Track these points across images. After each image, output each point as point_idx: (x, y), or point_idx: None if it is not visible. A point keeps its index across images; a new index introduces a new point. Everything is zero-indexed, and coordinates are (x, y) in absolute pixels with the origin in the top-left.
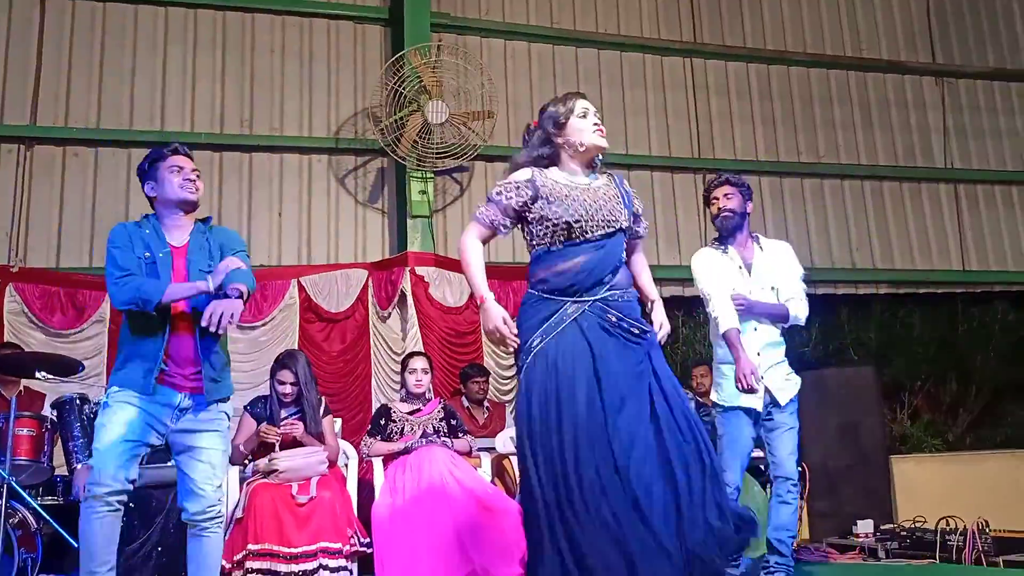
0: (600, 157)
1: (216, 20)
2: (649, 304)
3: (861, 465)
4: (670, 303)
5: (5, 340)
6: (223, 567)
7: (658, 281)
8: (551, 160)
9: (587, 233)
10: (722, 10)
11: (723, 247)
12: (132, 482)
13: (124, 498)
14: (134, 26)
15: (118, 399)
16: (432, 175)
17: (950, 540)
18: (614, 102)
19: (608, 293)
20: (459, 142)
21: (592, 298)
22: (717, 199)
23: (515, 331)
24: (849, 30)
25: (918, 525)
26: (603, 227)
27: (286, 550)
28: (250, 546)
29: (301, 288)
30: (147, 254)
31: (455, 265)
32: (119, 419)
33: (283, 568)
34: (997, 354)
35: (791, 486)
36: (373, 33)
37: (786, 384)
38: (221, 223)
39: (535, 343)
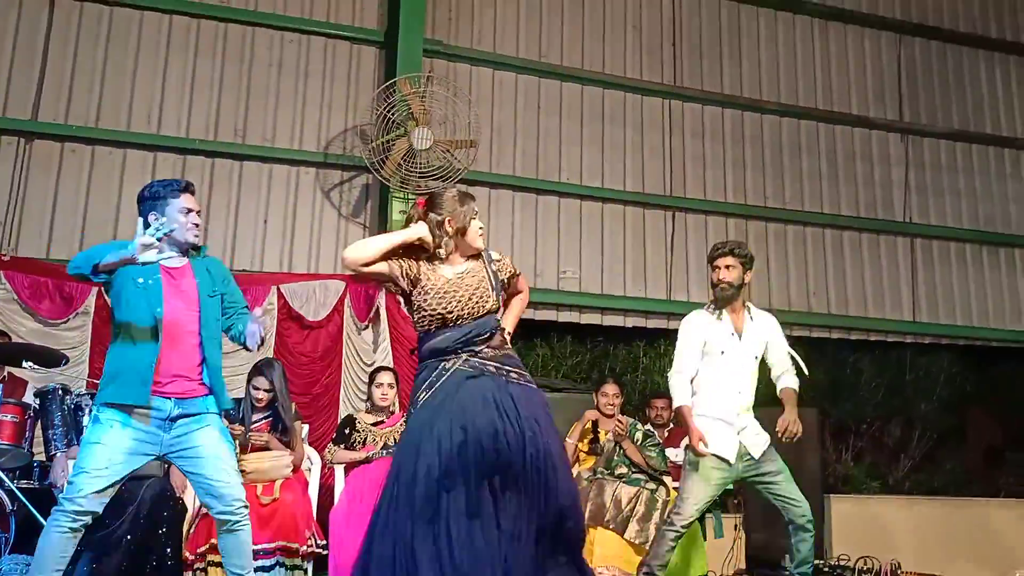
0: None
1: (218, 31)
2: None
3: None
4: (633, 333)
5: None
6: (186, 558)
7: (623, 312)
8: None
9: (458, 322)
10: (703, 56)
11: (718, 312)
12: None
13: (90, 520)
14: (138, 31)
15: (109, 417)
16: (414, 196)
17: None
18: (593, 136)
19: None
20: (442, 166)
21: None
22: (719, 268)
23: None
24: (822, 84)
25: (841, 563)
26: (473, 315)
27: None
28: (213, 540)
29: (280, 295)
30: (140, 279)
31: None
32: (109, 442)
33: None
34: (940, 403)
35: (806, 523)
36: (368, 54)
37: (757, 439)
38: (209, 227)
39: (419, 396)
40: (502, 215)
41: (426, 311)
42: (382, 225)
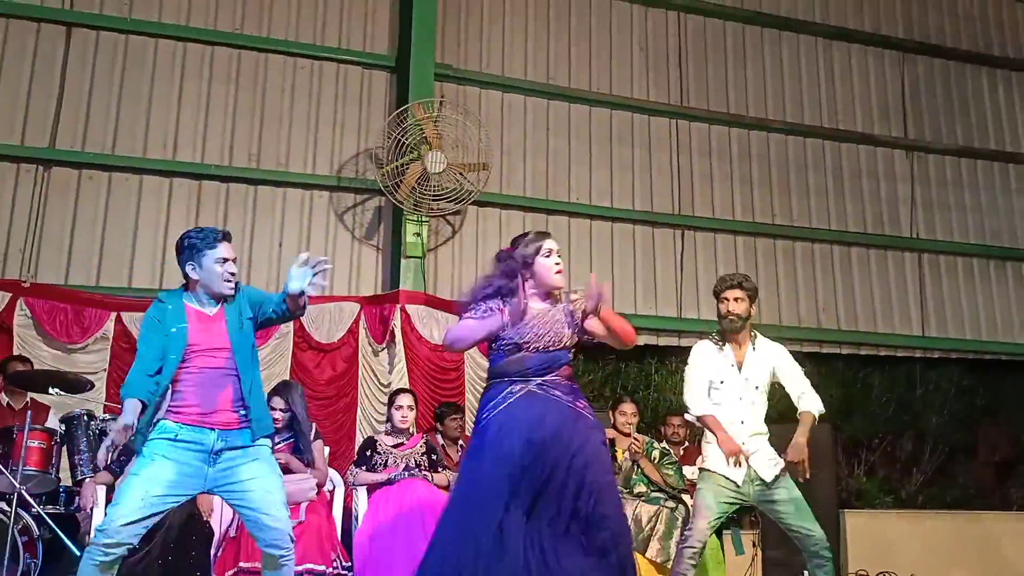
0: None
1: (231, 58)
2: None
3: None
4: (644, 351)
5: (15, 353)
6: None
7: (636, 330)
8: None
9: (531, 350)
10: (708, 77)
11: (721, 344)
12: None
13: (124, 552)
14: (153, 59)
15: (152, 451)
16: (427, 219)
17: None
18: (602, 157)
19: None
20: (454, 188)
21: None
22: (727, 300)
23: None
24: (827, 102)
25: None
26: (545, 346)
27: None
28: (241, 564)
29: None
30: (173, 329)
31: (444, 304)
32: (149, 476)
33: None
34: (951, 416)
35: (822, 551)
36: (379, 79)
37: (770, 464)
38: None
39: (484, 415)
40: (512, 235)
41: (503, 339)
42: (396, 247)
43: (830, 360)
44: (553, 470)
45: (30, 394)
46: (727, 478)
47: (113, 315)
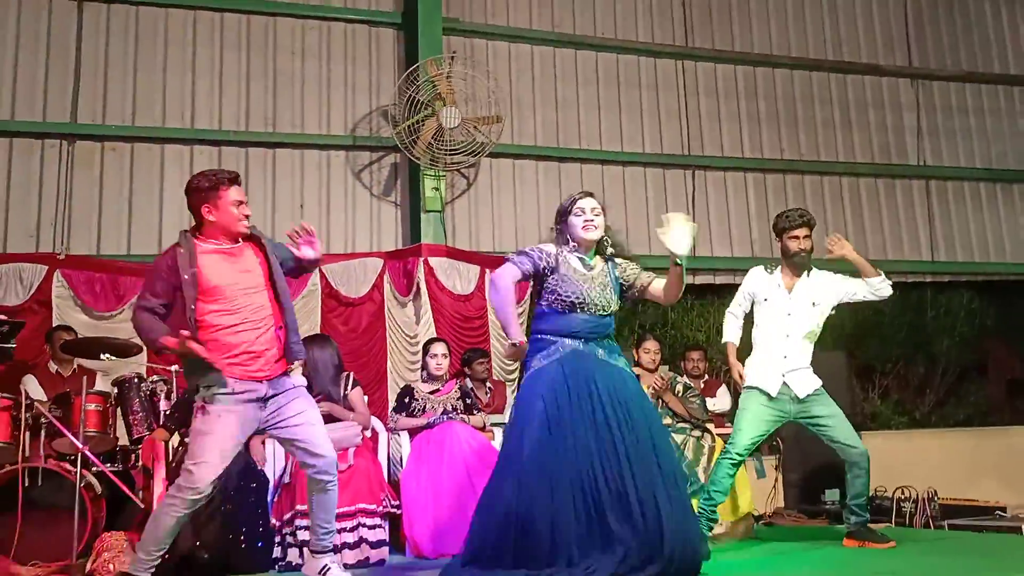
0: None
1: (241, 23)
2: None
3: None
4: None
5: (56, 323)
6: (273, 524)
7: (649, 270)
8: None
9: (586, 311)
10: (712, 16)
11: (772, 270)
12: None
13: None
14: (165, 28)
15: (215, 407)
16: (444, 173)
17: (904, 507)
18: (610, 102)
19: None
20: (468, 141)
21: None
22: (797, 238)
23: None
24: (831, 35)
25: (878, 494)
26: (598, 310)
27: None
28: (298, 507)
29: (322, 275)
30: (185, 277)
31: (464, 255)
32: (221, 431)
33: None
34: (961, 339)
35: (861, 464)
36: (387, 37)
37: (805, 381)
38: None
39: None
40: (527, 185)
41: (560, 295)
42: (414, 202)
43: None
44: (610, 401)
45: (76, 361)
46: (764, 392)
47: None
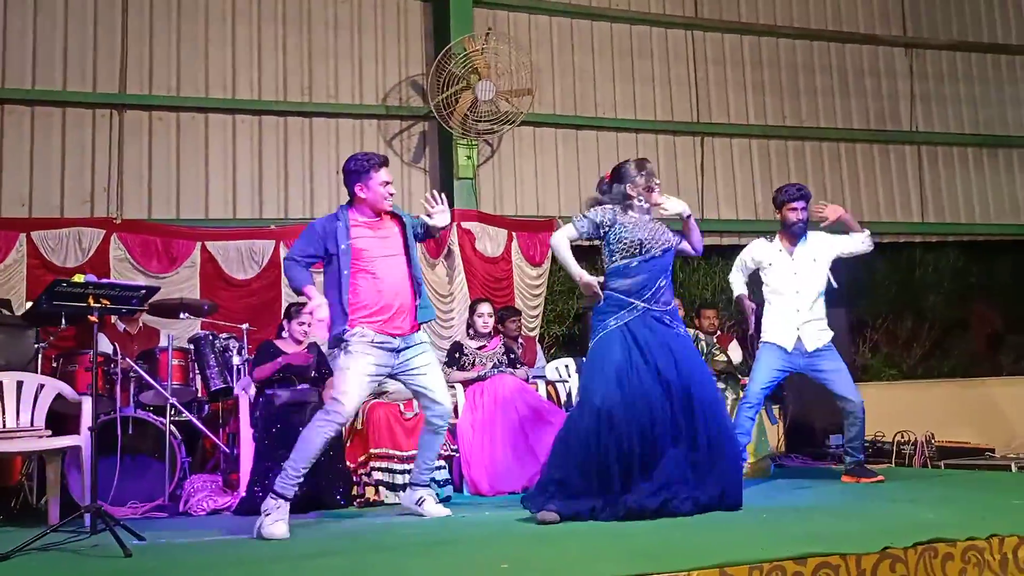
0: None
1: None
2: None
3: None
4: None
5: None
6: (348, 466)
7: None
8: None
9: (650, 252)
10: None
11: (770, 238)
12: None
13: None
14: (206, 3)
15: (357, 349)
16: (476, 143)
17: (904, 449)
18: (624, 72)
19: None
20: (502, 113)
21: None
22: (795, 210)
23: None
24: (831, 6)
25: (878, 438)
26: (660, 247)
27: (399, 453)
28: (372, 450)
29: None
30: (342, 247)
31: (492, 220)
32: (359, 369)
33: (397, 467)
34: (947, 296)
35: (857, 414)
36: (415, 9)
37: (818, 335)
38: (288, 182)
39: (610, 323)
40: (546, 152)
41: (625, 240)
42: (445, 169)
43: None
44: (666, 356)
45: (142, 320)
46: (778, 345)
47: (198, 244)
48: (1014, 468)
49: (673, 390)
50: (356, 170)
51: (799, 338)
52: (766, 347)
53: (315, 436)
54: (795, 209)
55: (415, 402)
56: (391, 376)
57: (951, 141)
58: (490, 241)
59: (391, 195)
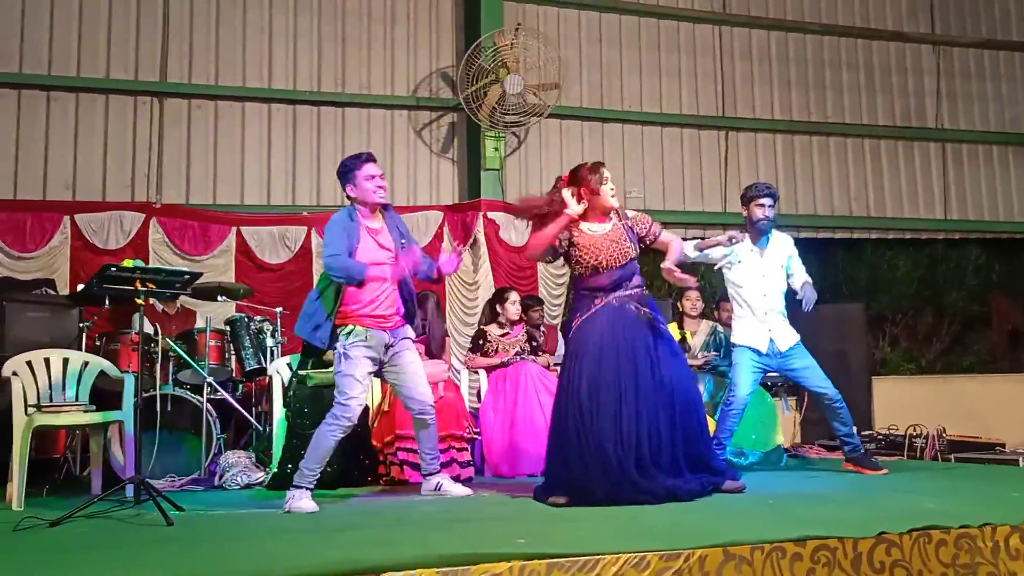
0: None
1: None
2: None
3: (848, 384)
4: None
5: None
6: (375, 446)
7: (684, 225)
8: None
9: (606, 268)
10: None
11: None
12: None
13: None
14: None
15: (355, 353)
16: (503, 135)
17: (916, 442)
18: (651, 66)
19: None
20: (529, 106)
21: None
22: (762, 206)
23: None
24: (859, 3)
25: (891, 431)
26: (617, 262)
27: None
28: (397, 432)
29: None
30: (356, 245)
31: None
32: (359, 372)
33: None
34: (968, 292)
35: (835, 404)
36: (446, 1)
37: (785, 336)
38: (320, 170)
39: (573, 323)
40: (572, 144)
41: (581, 263)
42: (473, 159)
43: (860, 244)
44: (635, 353)
45: (179, 301)
46: (753, 349)
47: (233, 229)
48: (1022, 463)
49: (645, 379)
50: (343, 172)
51: (771, 339)
52: (741, 351)
53: (325, 437)
54: (762, 206)
55: (439, 386)
56: (378, 372)
57: (976, 139)
58: (515, 231)
59: (380, 188)
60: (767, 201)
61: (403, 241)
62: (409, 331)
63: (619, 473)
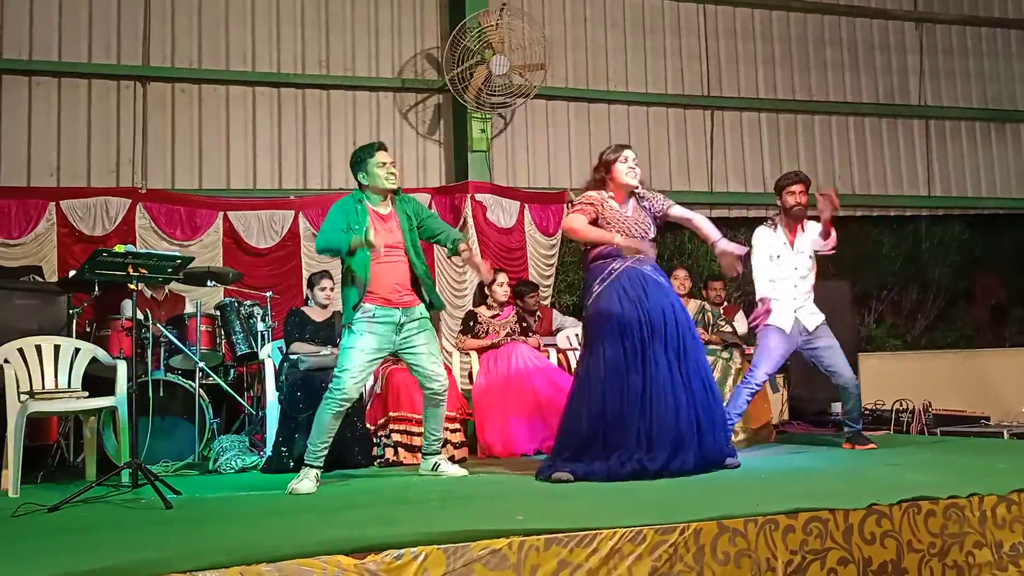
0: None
1: None
2: (710, 243)
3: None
4: (679, 224)
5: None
6: (369, 428)
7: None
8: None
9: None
10: None
11: (773, 225)
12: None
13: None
14: None
15: (360, 328)
16: (489, 116)
17: (902, 417)
18: (636, 45)
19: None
20: (515, 86)
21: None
22: (794, 193)
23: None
24: None
25: (878, 406)
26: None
27: (416, 416)
28: (390, 413)
29: None
30: (355, 225)
31: (507, 192)
32: (361, 347)
33: (415, 429)
34: (952, 268)
35: (851, 386)
36: None
37: (813, 316)
38: (305, 153)
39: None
40: (559, 125)
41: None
42: (459, 141)
43: (845, 222)
44: (661, 316)
45: (168, 287)
46: (780, 329)
47: (220, 214)
48: (1006, 435)
49: (663, 349)
50: (355, 162)
51: (797, 319)
52: (770, 331)
53: (323, 413)
54: (793, 193)
55: None
56: (393, 355)
57: (959, 115)
58: (503, 212)
59: (391, 175)
60: (797, 188)
61: (411, 226)
62: (423, 310)
63: (643, 450)
